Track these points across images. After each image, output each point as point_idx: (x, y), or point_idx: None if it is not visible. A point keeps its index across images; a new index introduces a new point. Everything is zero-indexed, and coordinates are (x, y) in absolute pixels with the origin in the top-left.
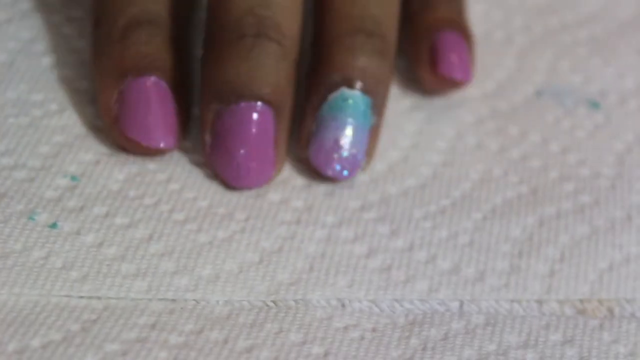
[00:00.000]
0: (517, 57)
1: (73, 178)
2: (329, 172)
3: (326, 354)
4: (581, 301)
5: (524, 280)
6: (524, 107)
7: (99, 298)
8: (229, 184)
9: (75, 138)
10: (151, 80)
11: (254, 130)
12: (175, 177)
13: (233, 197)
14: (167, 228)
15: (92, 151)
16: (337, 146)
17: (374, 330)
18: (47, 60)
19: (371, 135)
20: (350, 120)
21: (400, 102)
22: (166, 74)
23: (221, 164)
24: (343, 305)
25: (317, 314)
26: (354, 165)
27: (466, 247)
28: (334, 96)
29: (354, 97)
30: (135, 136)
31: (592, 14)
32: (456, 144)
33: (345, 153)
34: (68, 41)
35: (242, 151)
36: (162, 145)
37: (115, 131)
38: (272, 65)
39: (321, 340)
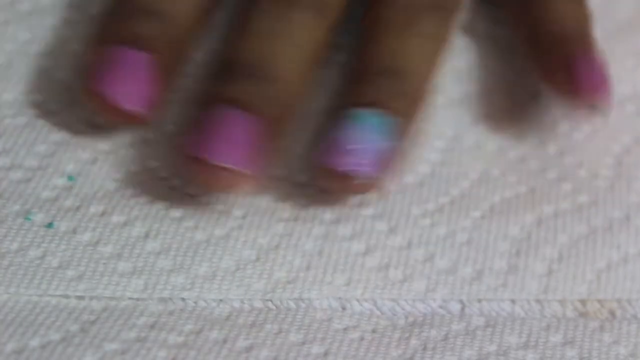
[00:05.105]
0: (516, 59)
1: (69, 178)
2: (335, 165)
3: (326, 354)
4: (582, 303)
5: (521, 280)
6: (522, 108)
7: (95, 298)
8: None
9: (71, 137)
10: (142, 54)
11: None
12: (172, 175)
13: (230, 194)
14: (163, 226)
15: (88, 150)
16: (341, 141)
17: (373, 331)
18: (44, 62)
19: (389, 156)
20: (361, 125)
21: None
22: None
23: None
24: (343, 308)
25: (317, 315)
26: (364, 161)
27: (464, 246)
28: (347, 112)
29: (367, 112)
30: (106, 92)
31: None
32: (454, 144)
33: (352, 147)
34: (65, 43)
35: None
36: (130, 107)
37: (90, 91)
38: None
39: (321, 340)
